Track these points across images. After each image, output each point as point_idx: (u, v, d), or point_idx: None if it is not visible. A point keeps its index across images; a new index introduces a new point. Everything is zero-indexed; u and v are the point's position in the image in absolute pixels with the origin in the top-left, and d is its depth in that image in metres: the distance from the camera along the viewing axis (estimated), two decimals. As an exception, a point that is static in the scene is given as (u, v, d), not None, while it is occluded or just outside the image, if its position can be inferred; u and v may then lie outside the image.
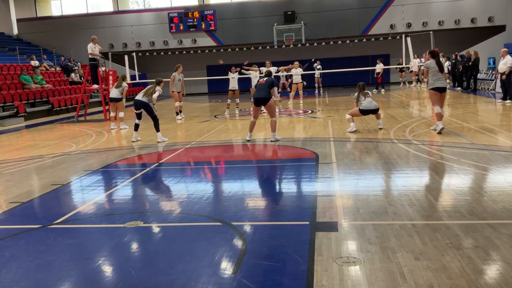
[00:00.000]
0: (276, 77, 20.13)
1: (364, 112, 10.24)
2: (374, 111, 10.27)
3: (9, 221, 5.27)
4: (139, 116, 10.53)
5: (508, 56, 14.71)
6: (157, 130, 10.42)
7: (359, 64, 23.54)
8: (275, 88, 9.41)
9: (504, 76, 14.60)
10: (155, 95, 10.38)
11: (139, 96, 10.38)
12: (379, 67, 21.82)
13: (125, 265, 3.83)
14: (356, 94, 10.36)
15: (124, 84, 13.59)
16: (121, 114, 13.40)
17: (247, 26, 27.57)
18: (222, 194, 5.99)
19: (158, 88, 10.52)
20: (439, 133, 9.23)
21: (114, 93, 13.56)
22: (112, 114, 13.89)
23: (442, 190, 5.58)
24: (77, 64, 25.47)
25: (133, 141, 10.48)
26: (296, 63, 18.64)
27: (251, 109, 9.96)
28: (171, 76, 15.05)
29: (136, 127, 10.60)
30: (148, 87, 10.49)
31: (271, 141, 9.51)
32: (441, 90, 9.38)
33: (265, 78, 9.57)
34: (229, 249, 4.04)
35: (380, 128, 10.33)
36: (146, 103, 10.30)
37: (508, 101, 14.45)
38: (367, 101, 10.12)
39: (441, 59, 18.82)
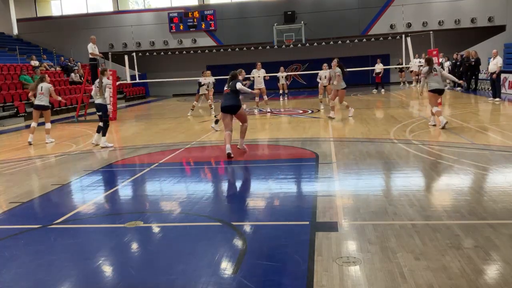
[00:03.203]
0: (274, 78, 19.94)
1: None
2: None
3: (9, 221, 5.27)
4: (100, 118, 10.05)
5: (498, 57, 15.46)
6: (104, 134, 9.88)
7: (359, 64, 23.53)
8: (243, 87, 8.32)
9: (494, 76, 15.20)
10: (107, 94, 9.70)
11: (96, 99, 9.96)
12: (379, 67, 21.84)
13: (125, 265, 3.83)
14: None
15: (42, 85, 11.09)
16: (48, 125, 11.28)
17: (247, 26, 27.57)
18: (222, 194, 5.99)
19: (106, 82, 9.74)
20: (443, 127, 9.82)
21: (42, 99, 11.03)
22: (34, 124, 11.10)
23: (442, 190, 5.58)
24: (77, 64, 25.46)
25: (93, 143, 10.14)
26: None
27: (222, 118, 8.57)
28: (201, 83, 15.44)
29: (99, 129, 10.11)
30: (99, 84, 9.76)
31: (238, 147, 8.51)
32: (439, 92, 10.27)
33: (230, 85, 8.40)
34: (229, 249, 4.04)
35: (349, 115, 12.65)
36: (104, 105, 9.78)
37: (497, 99, 14.89)
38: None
39: (441, 59, 19.00)
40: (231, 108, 8.31)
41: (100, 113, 10.00)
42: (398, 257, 3.61)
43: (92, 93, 9.94)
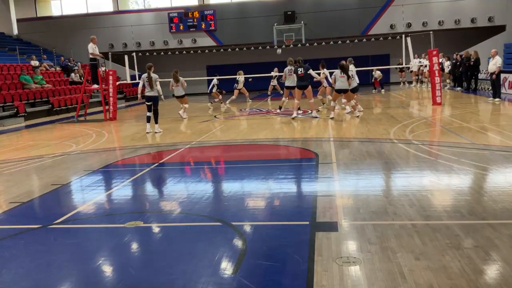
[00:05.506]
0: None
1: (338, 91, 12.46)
2: (346, 91, 12.23)
3: (9, 221, 5.27)
4: (149, 109, 11.85)
5: (497, 57, 15.40)
6: (156, 121, 11.81)
7: (359, 64, 23.46)
8: (313, 72, 12.95)
9: (494, 76, 15.22)
10: (159, 87, 11.71)
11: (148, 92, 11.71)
12: (378, 74, 22.10)
13: (125, 265, 3.83)
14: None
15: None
16: (186, 105, 15.35)
17: (247, 26, 27.56)
18: (222, 194, 5.99)
19: (155, 76, 11.50)
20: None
21: (179, 90, 14.89)
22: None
23: (442, 190, 5.58)
24: (77, 64, 25.45)
25: (148, 132, 11.59)
26: None
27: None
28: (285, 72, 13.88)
29: (148, 119, 11.86)
30: (148, 79, 11.51)
31: (312, 116, 12.86)
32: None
33: (302, 70, 12.59)
34: (229, 249, 4.04)
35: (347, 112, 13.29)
36: (155, 96, 11.71)
37: (497, 99, 14.92)
38: (341, 80, 12.17)
39: (441, 59, 19.00)
40: (303, 86, 12.65)
41: (149, 103, 11.72)
42: (398, 257, 3.61)
43: (140, 85, 11.77)
